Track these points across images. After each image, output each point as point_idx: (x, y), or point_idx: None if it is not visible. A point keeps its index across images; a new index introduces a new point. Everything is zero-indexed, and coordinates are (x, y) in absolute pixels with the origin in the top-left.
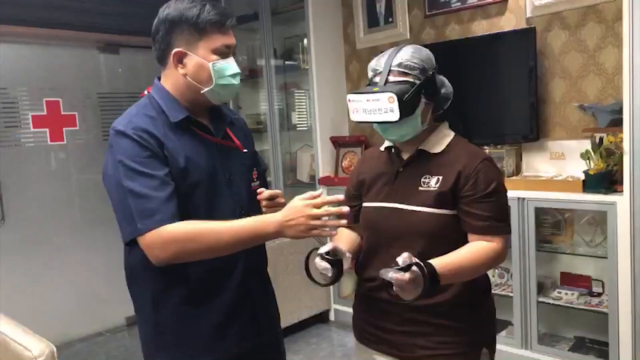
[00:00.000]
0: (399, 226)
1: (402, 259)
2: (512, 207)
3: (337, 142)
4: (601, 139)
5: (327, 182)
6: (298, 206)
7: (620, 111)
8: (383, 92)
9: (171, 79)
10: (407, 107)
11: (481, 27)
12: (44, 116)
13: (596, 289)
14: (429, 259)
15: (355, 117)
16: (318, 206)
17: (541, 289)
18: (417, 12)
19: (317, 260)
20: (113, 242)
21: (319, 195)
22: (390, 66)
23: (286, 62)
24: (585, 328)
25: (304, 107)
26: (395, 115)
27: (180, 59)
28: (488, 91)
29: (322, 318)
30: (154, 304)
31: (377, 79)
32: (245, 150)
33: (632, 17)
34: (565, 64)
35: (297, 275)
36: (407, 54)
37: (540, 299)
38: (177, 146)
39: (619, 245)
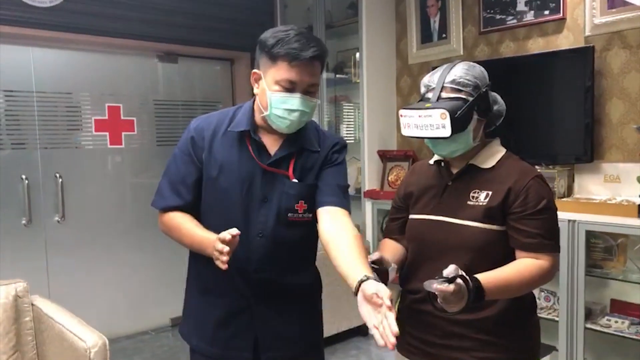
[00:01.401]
0: (446, 239)
1: (448, 270)
2: (562, 229)
3: (385, 156)
4: None
5: (372, 195)
6: (213, 239)
7: None
8: (435, 108)
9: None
10: (458, 123)
11: (537, 45)
12: (105, 120)
13: None
14: (475, 273)
15: (406, 132)
16: (220, 241)
17: (589, 315)
18: (471, 28)
19: None
20: (161, 244)
21: (230, 234)
22: (444, 82)
23: (337, 75)
24: (636, 359)
25: (353, 120)
26: (447, 132)
27: (256, 79)
28: (542, 110)
29: (361, 331)
30: (186, 284)
31: (429, 95)
32: (294, 180)
33: None
34: (625, 84)
35: (338, 287)
36: (460, 71)
37: (588, 326)
38: (220, 155)
39: None
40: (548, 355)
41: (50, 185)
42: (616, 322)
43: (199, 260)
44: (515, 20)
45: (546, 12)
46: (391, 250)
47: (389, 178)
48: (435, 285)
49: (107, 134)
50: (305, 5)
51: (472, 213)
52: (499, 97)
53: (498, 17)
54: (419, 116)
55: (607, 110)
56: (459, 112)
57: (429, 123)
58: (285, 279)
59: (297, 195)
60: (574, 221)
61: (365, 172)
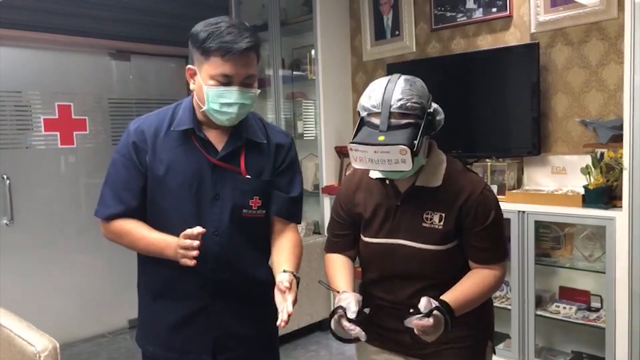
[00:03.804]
0: (407, 261)
1: (423, 304)
2: (512, 220)
3: (342, 152)
4: (602, 155)
5: (330, 191)
6: (176, 240)
7: (621, 127)
8: (393, 144)
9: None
10: (416, 153)
11: (486, 42)
12: (55, 120)
13: (594, 303)
14: (437, 286)
15: (358, 165)
16: (185, 237)
17: (539, 302)
18: (423, 26)
19: (347, 324)
20: (117, 246)
21: (196, 231)
22: (390, 108)
23: (294, 72)
24: (583, 343)
25: (311, 116)
26: (407, 166)
27: (191, 75)
28: (491, 105)
29: (322, 326)
30: (137, 290)
31: (375, 121)
32: (248, 176)
33: (634, 34)
34: (568, 79)
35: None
36: (403, 93)
37: (539, 313)
38: (165, 155)
39: (617, 260)
40: (502, 343)
41: None
42: (564, 308)
43: (149, 265)
44: (465, 18)
45: (494, 10)
46: (344, 272)
47: (346, 174)
48: (416, 322)
49: (57, 133)
50: (260, 1)
51: (430, 236)
52: (439, 107)
53: (448, 14)
54: (375, 152)
55: (553, 104)
56: (416, 143)
57: (386, 158)
58: (242, 277)
59: (252, 192)
60: (524, 212)
61: (322, 168)
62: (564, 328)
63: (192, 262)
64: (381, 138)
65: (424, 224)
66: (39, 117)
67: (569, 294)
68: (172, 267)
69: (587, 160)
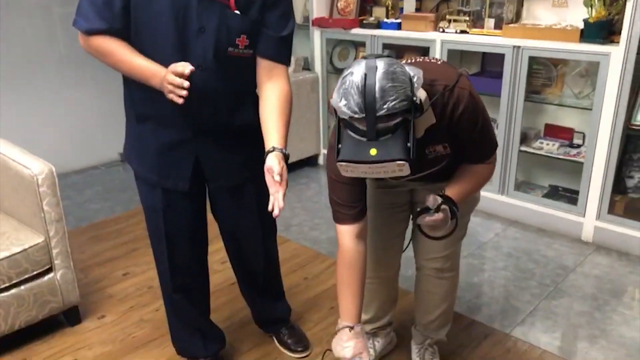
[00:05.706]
0: (420, 182)
1: (431, 202)
2: (506, 55)
3: None
4: None
5: (321, 23)
6: (164, 71)
7: None
8: (388, 161)
9: None
10: (413, 158)
11: None
12: None
13: (577, 140)
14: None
15: (350, 174)
16: (175, 74)
17: (524, 139)
18: None
19: None
20: (103, 80)
21: (189, 69)
22: (376, 113)
23: None
24: (561, 177)
25: None
26: (405, 172)
27: None
28: None
29: (310, 162)
30: (125, 114)
31: (359, 125)
32: (236, 12)
33: None
34: None
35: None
36: (386, 93)
37: (522, 149)
38: None
39: (605, 97)
40: None
41: None
42: (547, 144)
43: (134, 88)
44: None
45: None
46: (355, 299)
47: (338, 5)
48: (428, 218)
49: None
50: None
51: (439, 160)
52: (418, 72)
53: None
54: (369, 167)
55: None
56: (410, 146)
57: (382, 170)
58: (226, 116)
59: (239, 29)
60: (519, 47)
61: None
62: (544, 164)
63: (180, 101)
64: (373, 152)
65: (429, 156)
66: None
67: (553, 131)
68: (156, 94)
69: None
